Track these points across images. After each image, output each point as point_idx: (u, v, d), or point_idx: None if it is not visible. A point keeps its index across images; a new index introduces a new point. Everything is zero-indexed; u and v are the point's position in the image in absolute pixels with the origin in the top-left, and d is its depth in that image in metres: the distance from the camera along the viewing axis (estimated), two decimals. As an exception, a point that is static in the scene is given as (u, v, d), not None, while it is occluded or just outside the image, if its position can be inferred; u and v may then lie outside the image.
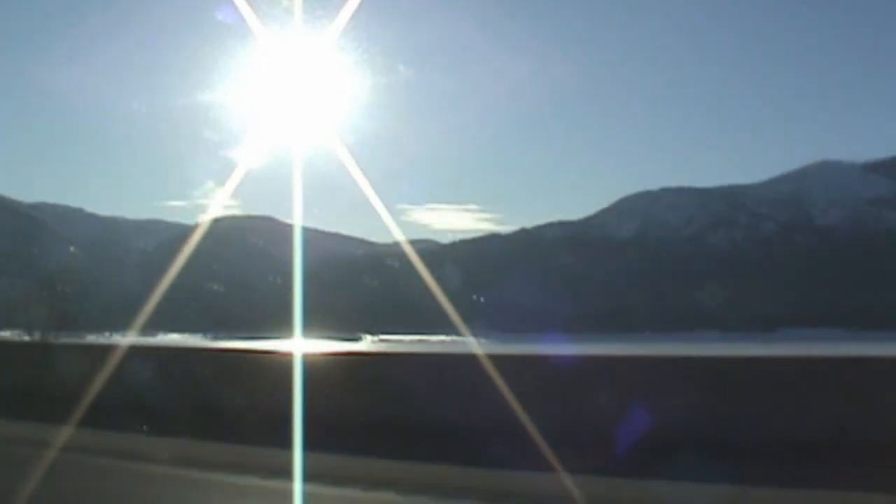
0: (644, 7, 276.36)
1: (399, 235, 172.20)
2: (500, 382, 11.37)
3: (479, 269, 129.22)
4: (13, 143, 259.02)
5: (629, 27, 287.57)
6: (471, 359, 12.06)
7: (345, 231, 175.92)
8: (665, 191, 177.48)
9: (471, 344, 13.23)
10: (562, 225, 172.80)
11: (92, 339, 37.70)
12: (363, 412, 12.76)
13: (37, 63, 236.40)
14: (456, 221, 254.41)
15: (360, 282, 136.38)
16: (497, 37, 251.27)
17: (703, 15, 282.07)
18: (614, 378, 11.81)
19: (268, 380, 13.78)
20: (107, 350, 15.43)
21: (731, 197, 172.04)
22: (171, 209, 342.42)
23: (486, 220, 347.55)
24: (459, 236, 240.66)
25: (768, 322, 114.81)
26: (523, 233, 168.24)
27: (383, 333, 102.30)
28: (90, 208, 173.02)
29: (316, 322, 15.99)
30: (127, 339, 16.41)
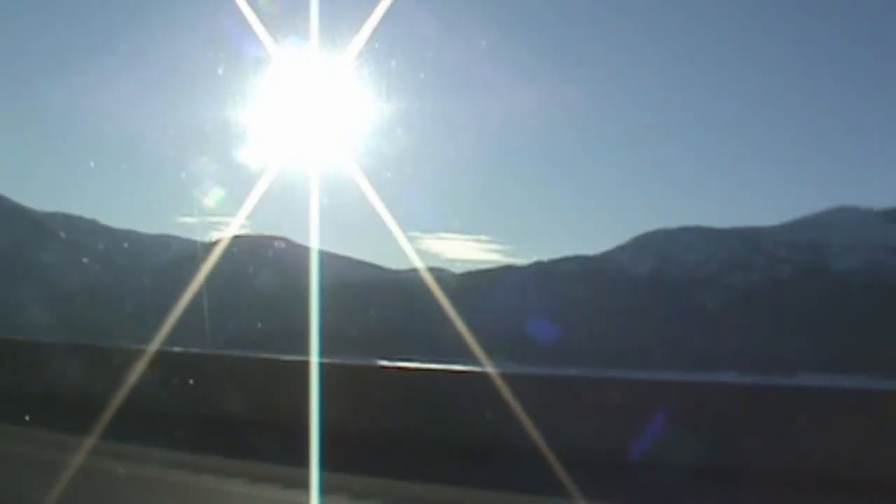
0: (667, 44, 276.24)
1: (416, 262, 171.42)
2: (525, 403, 11.25)
3: (494, 299, 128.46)
4: (33, 153, 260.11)
5: (650, 64, 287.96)
6: (497, 378, 11.95)
7: (358, 255, 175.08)
8: (682, 230, 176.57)
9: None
10: (578, 259, 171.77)
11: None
12: (385, 426, 12.79)
13: (61, 82, 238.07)
14: (466, 251, 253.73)
15: (373, 307, 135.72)
16: (516, 68, 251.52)
17: (727, 55, 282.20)
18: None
19: (282, 388, 13.62)
20: (111, 353, 15.08)
21: (748, 239, 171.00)
22: (183, 225, 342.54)
23: (497, 251, 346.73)
24: (470, 266, 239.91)
25: (787, 366, 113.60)
26: (539, 266, 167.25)
27: (399, 360, 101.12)
28: (104, 220, 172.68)
29: (329, 346, 15.33)
30: (137, 346, 15.80)
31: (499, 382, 12.03)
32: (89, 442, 11.65)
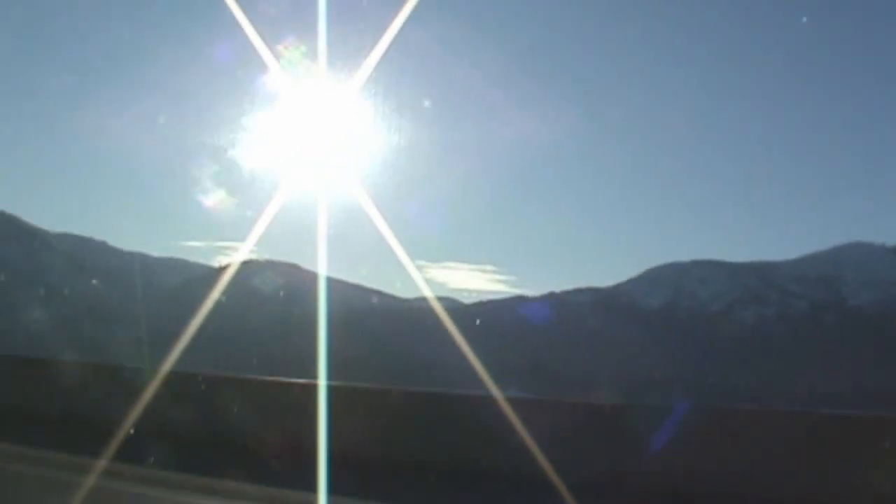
0: (683, 75, 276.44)
1: (424, 291, 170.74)
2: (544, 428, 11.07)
3: (507, 329, 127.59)
4: (45, 174, 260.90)
5: (666, 96, 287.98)
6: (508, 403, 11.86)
7: (367, 283, 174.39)
8: (695, 263, 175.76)
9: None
10: (591, 291, 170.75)
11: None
12: (394, 451, 12.49)
13: (74, 106, 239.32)
14: (472, 281, 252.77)
15: (382, 334, 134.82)
16: (526, 98, 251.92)
17: (743, 89, 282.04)
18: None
19: (292, 410, 13.50)
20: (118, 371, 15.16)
21: (762, 273, 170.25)
22: (190, 249, 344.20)
23: (502, 281, 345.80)
24: (477, 296, 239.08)
25: (805, 401, 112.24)
26: (552, 297, 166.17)
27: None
28: (113, 242, 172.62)
29: (336, 373, 14.85)
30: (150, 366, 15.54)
31: (507, 408, 11.65)
32: (101, 463, 11.37)
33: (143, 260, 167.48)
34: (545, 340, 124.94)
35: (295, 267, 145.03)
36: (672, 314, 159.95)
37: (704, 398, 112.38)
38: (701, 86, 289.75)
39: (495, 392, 12.02)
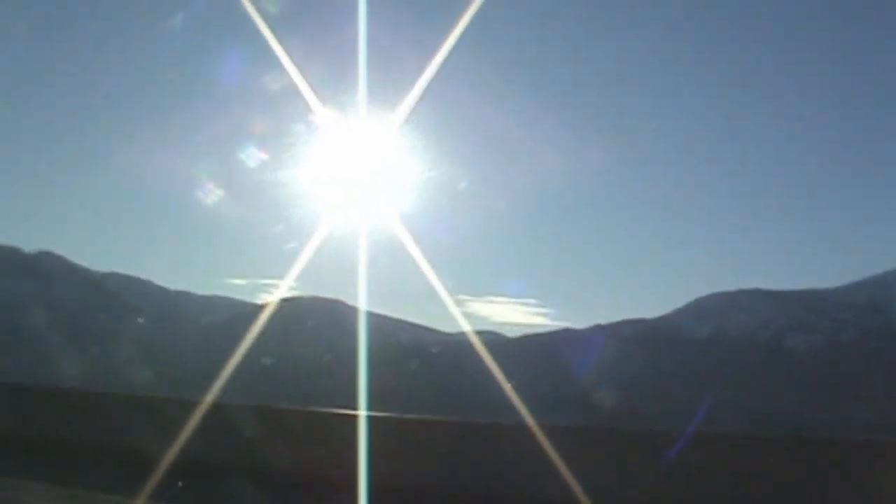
0: (727, 104, 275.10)
1: (465, 326, 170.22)
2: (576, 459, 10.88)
3: (550, 362, 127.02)
4: (91, 215, 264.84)
5: (709, 126, 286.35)
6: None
7: (409, 318, 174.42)
8: (741, 293, 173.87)
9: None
10: (636, 322, 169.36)
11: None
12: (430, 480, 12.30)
13: (120, 147, 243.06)
14: (514, 315, 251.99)
15: (423, 369, 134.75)
16: (566, 132, 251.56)
17: (786, 114, 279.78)
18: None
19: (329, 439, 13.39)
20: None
21: (809, 301, 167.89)
22: (234, 287, 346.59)
23: (543, 314, 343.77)
24: (519, 330, 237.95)
25: (858, 430, 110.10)
26: (597, 329, 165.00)
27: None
28: (158, 281, 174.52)
29: (377, 407, 14.77)
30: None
31: (542, 437, 11.57)
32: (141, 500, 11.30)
33: (188, 298, 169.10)
34: (591, 372, 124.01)
35: (337, 302, 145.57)
36: (719, 344, 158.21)
37: (755, 428, 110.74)
38: (744, 113, 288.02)
39: (532, 422, 11.90)
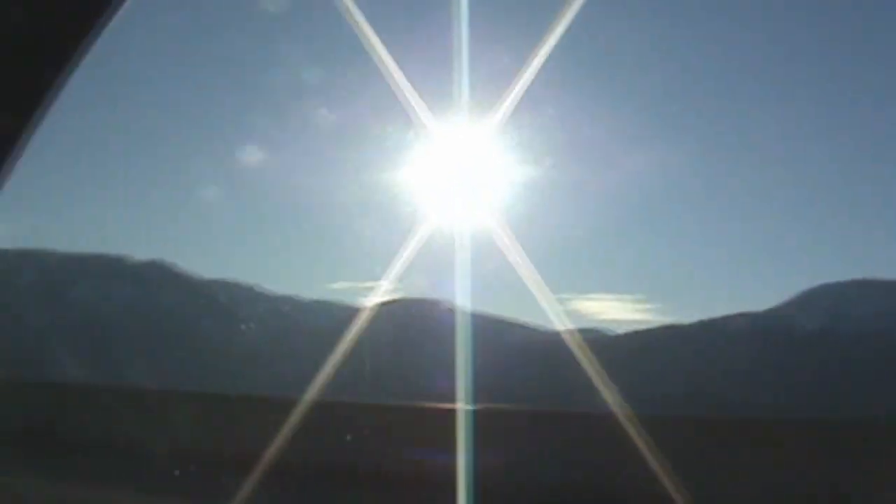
0: (830, 84, 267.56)
1: (564, 323, 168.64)
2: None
3: (655, 359, 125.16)
4: (193, 221, 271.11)
5: (818, 107, 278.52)
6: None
7: (511, 316, 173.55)
8: (854, 283, 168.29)
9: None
10: (744, 316, 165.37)
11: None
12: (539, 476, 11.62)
13: (221, 154, 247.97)
14: (621, 312, 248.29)
15: (527, 369, 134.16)
16: (668, 124, 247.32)
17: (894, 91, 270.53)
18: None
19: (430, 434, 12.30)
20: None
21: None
22: (337, 291, 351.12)
23: (651, 310, 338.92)
24: (626, 326, 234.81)
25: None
26: (702, 325, 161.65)
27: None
28: (261, 287, 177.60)
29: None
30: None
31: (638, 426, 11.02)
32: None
33: (292, 303, 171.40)
34: (699, 368, 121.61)
35: (439, 303, 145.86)
36: (831, 338, 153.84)
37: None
38: (851, 92, 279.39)
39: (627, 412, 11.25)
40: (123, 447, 14.69)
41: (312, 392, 13.44)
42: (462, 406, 11.45)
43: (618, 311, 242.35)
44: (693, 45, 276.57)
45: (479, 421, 11.01)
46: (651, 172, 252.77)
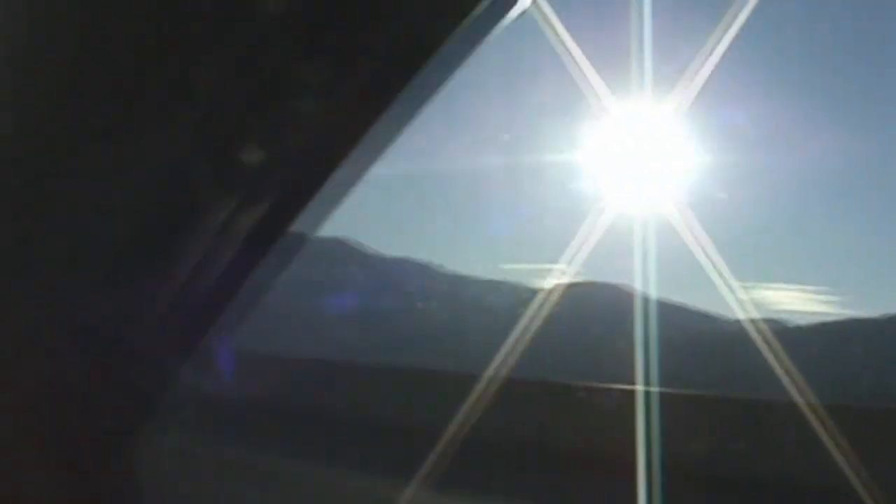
0: None
1: (748, 313, 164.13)
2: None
3: (837, 353, 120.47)
4: (378, 200, 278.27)
5: None
6: None
7: (690, 303, 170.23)
8: None
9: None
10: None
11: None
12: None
13: (407, 136, 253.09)
14: (800, 303, 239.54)
15: (703, 356, 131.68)
16: (857, 108, 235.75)
17: None
18: None
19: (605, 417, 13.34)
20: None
21: None
22: (512, 272, 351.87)
23: (831, 302, 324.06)
24: (807, 318, 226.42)
25: None
26: (889, 319, 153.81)
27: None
28: (437, 265, 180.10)
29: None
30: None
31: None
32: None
33: (468, 282, 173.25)
34: (888, 363, 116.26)
35: (619, 287, 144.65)
36: None
37: None
38: None
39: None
40: (334, 421, 15.45)
41: (503, 370, 13.99)
42: (646, 389, 11.70)
43: (800, 302, 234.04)
44: (892, 23, 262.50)
45: (664, 404, 11.26)
46: (839, 159, 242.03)
